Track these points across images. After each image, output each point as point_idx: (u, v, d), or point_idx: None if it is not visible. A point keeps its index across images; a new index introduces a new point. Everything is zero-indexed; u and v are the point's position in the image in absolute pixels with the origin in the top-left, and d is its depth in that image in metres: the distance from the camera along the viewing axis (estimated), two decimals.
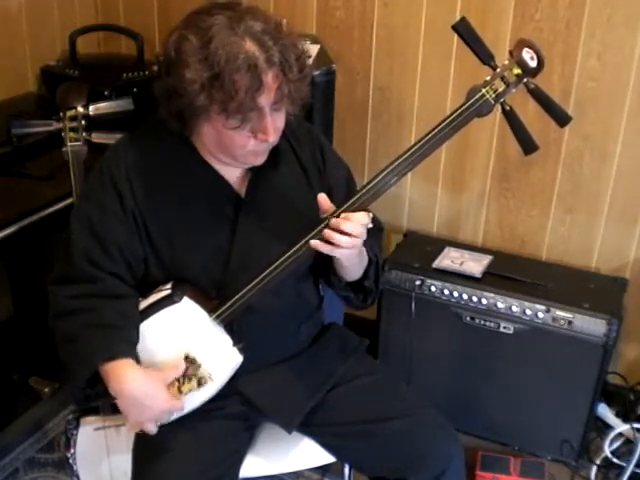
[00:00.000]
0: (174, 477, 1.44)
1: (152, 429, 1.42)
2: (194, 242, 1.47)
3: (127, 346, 1.41)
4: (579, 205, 2.32)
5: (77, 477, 1.84)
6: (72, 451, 1.81)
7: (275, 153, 1.50)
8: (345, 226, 1.33)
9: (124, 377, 1.37)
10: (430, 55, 2.34)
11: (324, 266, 1.55)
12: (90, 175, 1.51)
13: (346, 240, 1.34)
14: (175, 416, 1.45)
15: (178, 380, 1.42)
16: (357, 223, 1.34)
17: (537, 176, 2.34)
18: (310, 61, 1.42)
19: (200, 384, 1.43)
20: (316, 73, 2.16)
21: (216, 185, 1.49)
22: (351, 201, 1.37)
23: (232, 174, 1.51)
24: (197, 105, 1.32)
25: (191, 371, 1.42)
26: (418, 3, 2.29)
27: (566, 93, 2.19)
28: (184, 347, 1.43)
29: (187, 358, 1.42)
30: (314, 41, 2.23)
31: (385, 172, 1.38)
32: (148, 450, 1.50)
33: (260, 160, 1.46)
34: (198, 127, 1.41)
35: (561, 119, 1.40)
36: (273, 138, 1.39)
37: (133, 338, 1.43)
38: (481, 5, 2.20)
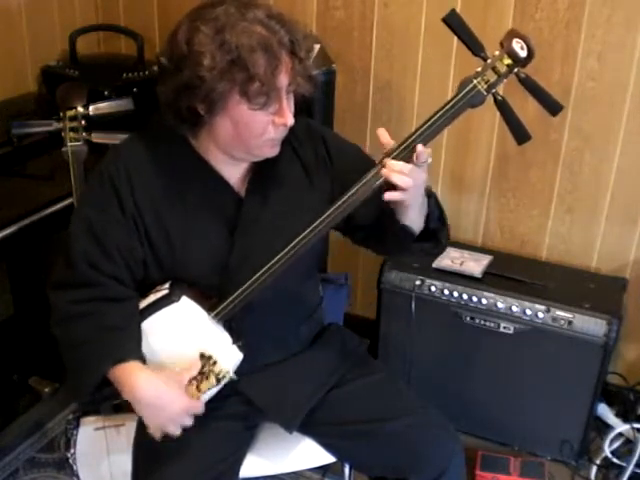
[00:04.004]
0: (174, 477, 1.44)
1: (175, 431, 1.41)
2: (193, 244, 1.47)
3: (134, 348, 1.41)
4: (579, 205, 2.32)
5: (77, 477, 1.84)
6: (72, 451, 1.82)
7: (274, 156, 1.49)
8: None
9: (136, 382, 1.36)
10: (430, 55, 2.34)
11: (392, 235, 1.51)
12: (90, 178, 1.51)
13: (404, 180, 1.33)
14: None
15: (195, 379, 1.41)
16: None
17: (537, 176, 2.34)
18: (309, 75, 1.42)
19: (219, 381, 1.42)
20: (316, 73, 2.16)
21: (216, 186, 1.49)
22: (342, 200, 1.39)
23: (233, 175, 1.51)
24: (218, 92, 1.31)
25: (207, 368, 1.42)
26: (418, 3, 2.30)
27: (566, 93, 2.19)
28: (187, 345, 1.43)
29: (202, 356, 1.41)
30: (314, 41, 2.23)
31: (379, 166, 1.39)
32: (148, 450, 1.50)
33: (275, 151, 1.45)
34: (212, 122, 1.39)
35: (552, 108, 1.40)
36: (291, 121, 1.39)
37: (138, 339, 1.43)
38: (481, 5, 2.21)
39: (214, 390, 1.44)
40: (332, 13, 2.42)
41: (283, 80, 1.34)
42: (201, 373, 1.41)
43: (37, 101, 2.52)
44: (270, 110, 1.36)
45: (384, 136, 1.37)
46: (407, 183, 1.33)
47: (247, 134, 1.39)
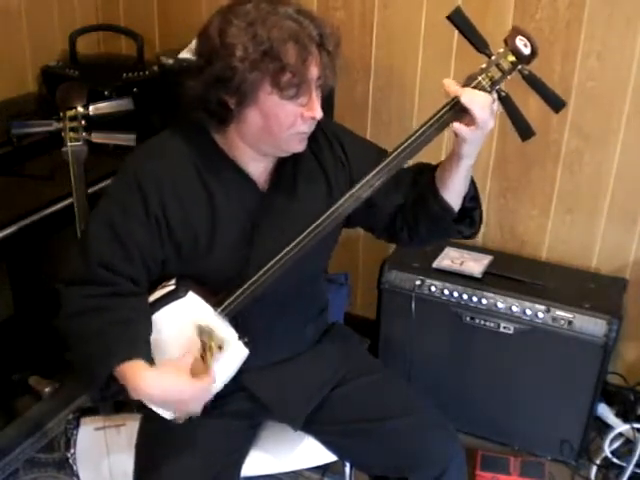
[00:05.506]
0: (176, 473, 1.45)
1: (197, 411, 1.41)
2: (217, 241, 1.47)
3: (142, 345, 1.40)
4: (579, 205, 2.32)
5: (77, 477, 1.84)
6: (72, 451, 1.82)
7: (296, 157, 1.49)
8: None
9: (140, 383, 1.34)
10: (430, 55, 2.34)
11: (430, 217, 1.52)
12: (117, 175, 1.50)
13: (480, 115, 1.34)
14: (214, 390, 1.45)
15: (200, 354, 1.41)
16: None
17: (537, 176, 2.34)
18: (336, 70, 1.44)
19: (221, 348, 1.42)
20: None
21: (241, 182, 1.49)
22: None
23: (257, 171, 1.50)
24: (249, 83, 1.32)
25: (207, 340, 1.41)
26: (418, 4, 2.30)
27: (566, 93, 2.19)
28: (193, 340, 1.43)
29: (199, 330, 1.41)
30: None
31: (387, 160, 1.41)
32: (151, 446, 1.51)
33: (303, 146, 1.46)
34: (241, 115, 1.39)
35: (555, 104, 1.41)
36: (320, 114, 1.40)
37: (147, 336, 1.42)
38: (481, 5, 2.20)
39: (222, 360, 1.43)
40: (332, 13, 2.42)
41: (313, 72, 1.36)
42: (203, 347, 1.41)
43: (37, 101, 2.52)
44: (300, 102, 1.37)
45: (451, 85, 1.37)
46: (484, 116, 1.33)
47: (277, 127, 1.39)
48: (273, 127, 1.39)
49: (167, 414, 1.43)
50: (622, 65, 2.12)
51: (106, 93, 2.35)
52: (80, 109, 1.87)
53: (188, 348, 1.41)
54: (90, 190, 1.91)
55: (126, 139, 1.92)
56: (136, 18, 2.73)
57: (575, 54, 2.16)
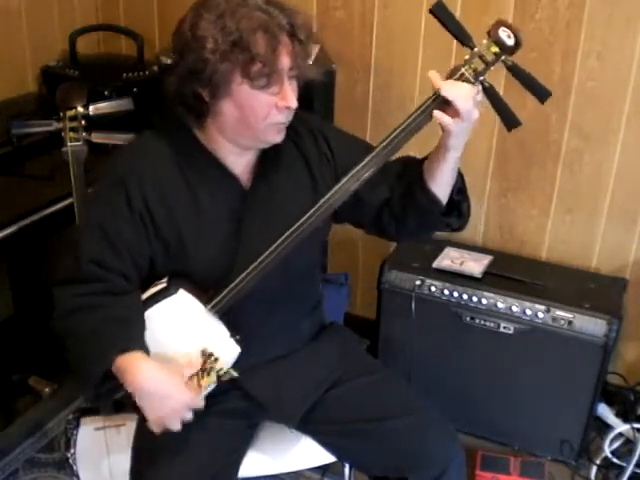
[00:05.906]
0: (172, 474, 1.45)
1: (176, 425, 1.40)
2: (203, 238, 1.48)
3: (139, 339, 1.41)
4: (579, 205, 2.32)
5: (77, 477, 1.84)
6: (72, 451, 1.82)
7: (277, 149, 1.50)
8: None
9: (139, 371, 1.36)
10: (430, 55, 2.34)
11: (418, 210, 1.52)
12: (102, 176, 1.51)
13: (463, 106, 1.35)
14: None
15: (197, 375, 1.42)
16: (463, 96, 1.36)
17: (537, 176, 2.34)
18: (310, 60, 1.44)
19: (220, 377, 1.44)
20: (316, 72, 2.16)
21: (223, 178, 1.50)
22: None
23: (239, 167, 1.51)
24: (220, 73, 1.34)
25: (208, 365, 1.43)
26: (418, 4, 2.29)
27: (566, 93, 2.19)
28: (184, 337, 1.44)
29: (204, 353, 1.42)
30: (314, 41, 2.23)
31: (375, 152, 1.43)
32: (148, 446, 1.51)
33: (281, 137, 1.46)
34: (217, 108, 1.41)
35: (541, 95, 1.41)
36: (294, 103, 1.40)
37: (142, 331, 1.43)
38: (481, 5, 2.20)
39: (213, 386, 1.45)
40: (332, 13, 2.42)
41: (284, 61, 1.36)
42: (202, 369, 1.42)
43: (37, 101, 2.52)
44: (271, 91, 1.38)
45: (436, 78, 1.38)
46: (467, 107, 1.34)
47: (252, 118, 1.40)
48: (249, 118, 1.40)
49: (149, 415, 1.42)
50: (622, 65, 2.12)
51: (106, 93, 2.35)
52: (80, 109, 1.87)
53: (186, 358, 1.42)
54: (90, 190, 1.91)
55: (126, 139, 1.92)
56: (136, 18, 2.73)
57: (575, 54, 2.16)
